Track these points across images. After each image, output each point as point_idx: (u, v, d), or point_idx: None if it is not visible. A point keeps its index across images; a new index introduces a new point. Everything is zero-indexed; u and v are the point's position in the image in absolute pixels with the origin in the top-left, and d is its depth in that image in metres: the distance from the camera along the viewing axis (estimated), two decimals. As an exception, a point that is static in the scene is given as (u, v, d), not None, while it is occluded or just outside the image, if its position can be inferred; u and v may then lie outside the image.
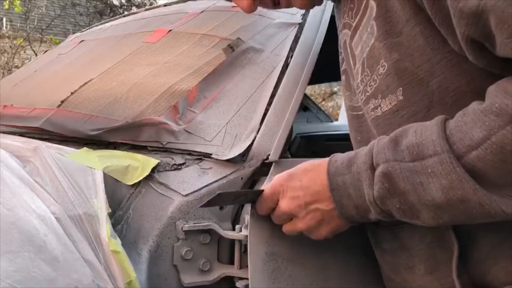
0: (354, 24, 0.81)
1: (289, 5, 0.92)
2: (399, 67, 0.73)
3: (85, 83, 1.27)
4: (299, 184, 0.75)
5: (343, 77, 0.90)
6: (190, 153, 0.98)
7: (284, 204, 0.77)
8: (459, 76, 0.68)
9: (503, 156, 0.57)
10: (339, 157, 0.74)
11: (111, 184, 0.87)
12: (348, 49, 0.83)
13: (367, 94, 0.78)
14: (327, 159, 0.75)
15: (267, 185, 0.81)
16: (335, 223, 0.75)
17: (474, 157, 0.58)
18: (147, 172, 0.90)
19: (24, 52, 9.00)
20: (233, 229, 0.91)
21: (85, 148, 0.96)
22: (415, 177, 0.63)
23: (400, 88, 0.73)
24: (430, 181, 0.62)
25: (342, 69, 0.90)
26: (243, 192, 0.89)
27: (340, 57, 0.90)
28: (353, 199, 0.70)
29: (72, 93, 1.24)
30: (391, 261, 0.83)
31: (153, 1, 12.45)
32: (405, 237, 0.79)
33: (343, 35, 0.85)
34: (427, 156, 0.62)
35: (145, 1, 12.25)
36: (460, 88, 0.67)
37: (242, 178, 0.94)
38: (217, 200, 0.81)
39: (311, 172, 0.75)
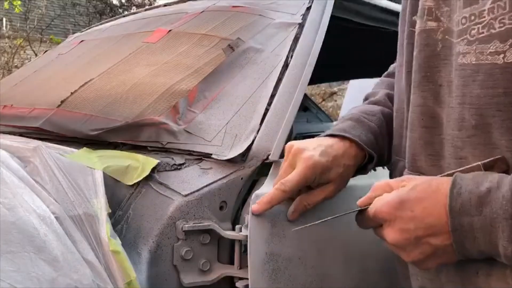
0: None
1: None
2: None
3: (85, 83, 1.27)
4: (410, 215, 0.64)
5: None
6: (190, 153, 0.98)
7: (391, 236, 0.66)
8: None
9: None
10: (464, 190, 0.60)
11: (111, 184, 0.87)
12: None
13: (493, 31, 0.62)
14: (445, 183, 0.63)
15: (365, 201, 0.71)
16: (446, 258, 0.65)
17: None
18: (147, 172, 0.90)
19: (24, 52, 9.00)
20: (233, 229, 0.91)
21: (85, 148, 0.96)
22: None
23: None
24: None
25: None
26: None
27: None
28: (480, 245, 0.60)
29: (72, 93, 1.24)
30: None
31: (153, 1, 12.45)
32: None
33: None
34: None
35: (145, 1, 12.27)
36: None
37: (242, 178, 0.94)
38: None
39: (426, 201, 0.63)
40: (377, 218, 0.67)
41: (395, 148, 0.84)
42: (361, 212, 0.71)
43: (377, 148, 0.88)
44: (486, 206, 0.58)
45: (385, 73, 1.05)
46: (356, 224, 0.73)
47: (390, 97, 0.95)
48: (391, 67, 1.04)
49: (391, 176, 0.86)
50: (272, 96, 1.05)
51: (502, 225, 0.57)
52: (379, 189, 0.70)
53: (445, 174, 0.67)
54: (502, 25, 0.60)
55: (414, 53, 0.73)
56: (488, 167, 0.64)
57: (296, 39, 1.18)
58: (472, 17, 0.64)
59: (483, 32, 0.63)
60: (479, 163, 0.65)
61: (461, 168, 0.66)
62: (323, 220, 0.77)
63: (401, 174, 0.77)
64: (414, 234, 0.64)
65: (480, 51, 0.63)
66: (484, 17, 0.63)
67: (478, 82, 0.63)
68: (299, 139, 0.88)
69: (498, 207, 0.57)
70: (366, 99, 0.99)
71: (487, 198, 0.58)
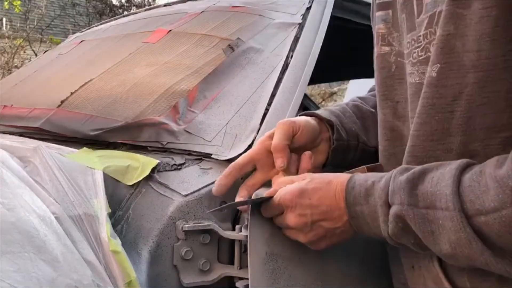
0: None
1: None
2: (448, 42, 0.65)
3: (85, 83, 1.27)
4: (308, 202, 0.76)
5: (387, 12, 0.81)
6: (190, 153, 0.98)
7: (291, 220, 0.78)
8: (506, 81, 0.62)
9: (510, 229, 0.56)
10: (357, 185, 0.72)
11: (111, 184, 0.87)
12: None
13: (429, 54, 0.70)
14: (340, 177, 0.75)
15: (272, 192, 0.81)
16: (336, 239, 0.78)
17: (482, 222, 0.58)
18: (147, 172, 0.90)
19: (24, 52, 9.01)
20: (233, 229, 0.91)
21: (85, 148, 0.96)
22: (427, 225, 0.63)
23: (438, 65, 0.67)
24: (441, 232, 0.62)
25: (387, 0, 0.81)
26: (250, 201, 0.87)
27: None
28: (372, 229, 0.72)
29: (72, 93, 1.24)
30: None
31: (153, 1, 12.46)
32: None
33: None
34: (438, 207, 0.61)
35: (145, 1, 12.28)
36: (498, 93, 0.62)
37: (242, 178, 0.94)
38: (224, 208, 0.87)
39: (321, 191, 0.75)
40: (281, 205, 0.78)
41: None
42: (266, 202, 0.80)
43: (339, 121, 0.93)
44: (370, 197, 0.70)
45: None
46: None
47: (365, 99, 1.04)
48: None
49: None
50: (272, 96, 1.06)
51: (379, 211, 0.68)
52: (283, 183, 0.81)
53: (347, 171, 0.81)
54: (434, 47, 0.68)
55: (375, 76, 0.84)
56: (370, 170, 0.80)
57: (296, 39, 1.19)
58: (413, 42, 0.73)
59: (421, 55, 0.72)
60: (364, 166, 0.82)
61: (351, 170, 0.82)
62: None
63: None
64: (311, 219, 0.75)
65: (422, 71, 0.71)
66: (421, 41, 0.71)
67: (411, 99, 0.73)
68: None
69: (377, 195, 0.68)
70: None
71: (371, 190, 0.70)
